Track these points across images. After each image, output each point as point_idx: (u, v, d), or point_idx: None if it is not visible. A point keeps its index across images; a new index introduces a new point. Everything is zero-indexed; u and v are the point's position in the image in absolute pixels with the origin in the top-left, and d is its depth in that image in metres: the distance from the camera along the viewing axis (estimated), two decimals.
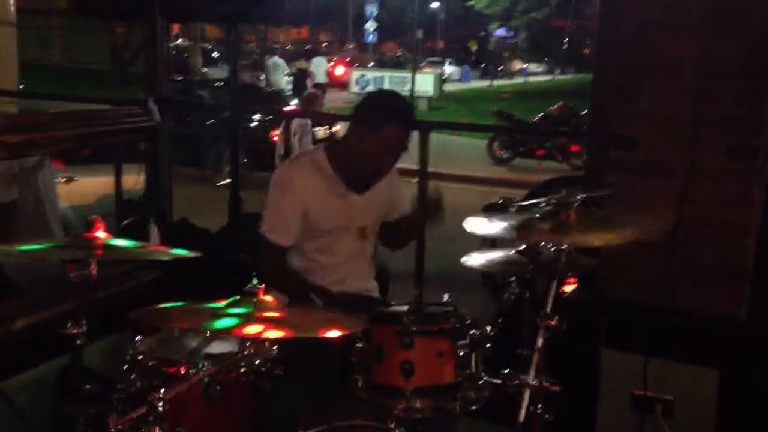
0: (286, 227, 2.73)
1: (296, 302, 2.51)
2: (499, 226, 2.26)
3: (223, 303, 1.87)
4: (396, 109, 2.76)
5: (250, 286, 1.89)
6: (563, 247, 2.09)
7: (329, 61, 24.84)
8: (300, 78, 23.46)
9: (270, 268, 2.67)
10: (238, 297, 1.87)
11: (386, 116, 2.69)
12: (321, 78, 22.24)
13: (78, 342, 1.98)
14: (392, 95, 2.95)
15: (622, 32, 3.06)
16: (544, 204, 2.19)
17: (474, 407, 2.00)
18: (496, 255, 2.56)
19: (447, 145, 12.83)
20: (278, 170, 2.85)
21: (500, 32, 41.07)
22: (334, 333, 1.76)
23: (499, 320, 2.40)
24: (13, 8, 5.09)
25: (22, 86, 6.85)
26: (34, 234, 2.81)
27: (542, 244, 2.26)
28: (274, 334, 1.73)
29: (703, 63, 2.89)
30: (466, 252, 2.59)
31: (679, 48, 2.94)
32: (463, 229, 2.36)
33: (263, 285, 1.91)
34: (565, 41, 31.63)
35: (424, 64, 29.13)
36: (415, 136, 4.21)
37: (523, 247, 2.31)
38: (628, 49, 3.03)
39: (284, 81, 22.75)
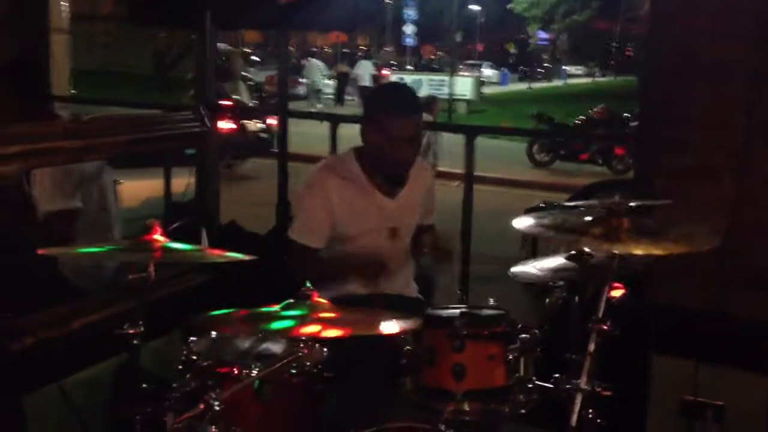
0: (317, 230, 2.74)
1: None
2: (547, 225, 2.23)
3: (276, 307, 1.90)
4: (390, 99, 2.77)
5: (303, 289, 1.92)
6: (615, 252, 2.08)
7: (374, 64, 24.92)
8: (342, 81, 23.57)
9: (306, 270, 2.69)
10: (291, 300, 1.90)
11: (380, 108, 2.72)
12: (366, 81, 22.25)
13: (135, 342, 2.03)
14: (390, 85, 2.99)
15: (672, 38, 3.05)
16: (594, 209, 2.17)
17: (523, 410, 2.01)
18: (541, 264, 2.52)
19: (487, 148, 12.79)
20: (309, 175, 2.85)
21: (542, 34, 40.80)
22: (391, 328, 1.78)
23: (544, 325, 2.38)
24: (66, 16, 5.23)
25: (73, 91, 6.98)
26: (94, 242, 2.87)
27: (591, 249, 2.24)
28: (331, 333, 1.74)
29: (753, 68, 2.86)
30: (506, 254, 2.58)
31: (729, 54, 2.93)
32: (503, 232, 2.34)
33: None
34: (613, 44, 31.19)
35: (462, 67, 29.04)
36: (459, 139, 4.26)
37: (572, 252, 2.29)
38: (678, 55, 3.03)
39: (323, 83, 22.83)
